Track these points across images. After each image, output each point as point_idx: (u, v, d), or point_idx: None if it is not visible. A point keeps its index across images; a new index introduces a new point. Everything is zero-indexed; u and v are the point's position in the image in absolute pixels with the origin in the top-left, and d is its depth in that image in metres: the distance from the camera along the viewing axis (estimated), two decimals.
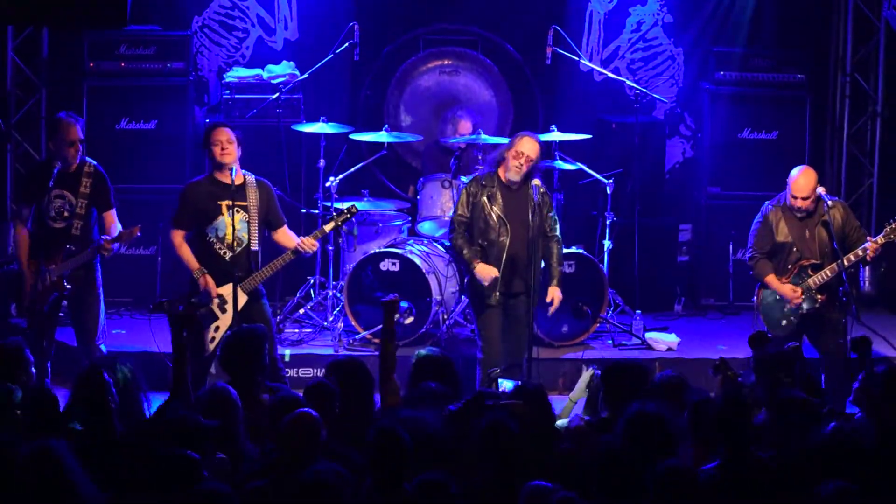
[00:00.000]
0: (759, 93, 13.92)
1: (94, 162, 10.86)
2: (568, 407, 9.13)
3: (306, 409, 7.45)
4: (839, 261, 10.73)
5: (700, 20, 14.37)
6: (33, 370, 8.75)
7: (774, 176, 13.68)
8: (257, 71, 13.71)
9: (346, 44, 12.96)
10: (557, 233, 10.97)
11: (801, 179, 10.90)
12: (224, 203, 10.47)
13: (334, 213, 11.01)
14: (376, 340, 12.30)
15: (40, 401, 7.71)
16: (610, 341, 12.69)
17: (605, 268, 12.75)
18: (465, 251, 10.79)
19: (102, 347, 10.89)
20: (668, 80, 14.56)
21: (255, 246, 10.51)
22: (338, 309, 12.62)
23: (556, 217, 11.02)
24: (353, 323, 12.44)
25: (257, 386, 8.64)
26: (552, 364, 12.02)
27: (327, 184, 12.54)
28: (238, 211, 10.47)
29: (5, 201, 13.62)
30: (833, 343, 10.96)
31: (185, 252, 10.56)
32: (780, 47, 14.09)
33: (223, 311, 10.50)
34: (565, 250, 12.29)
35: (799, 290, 10.86)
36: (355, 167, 13.00)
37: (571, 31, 13.55)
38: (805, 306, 10.88)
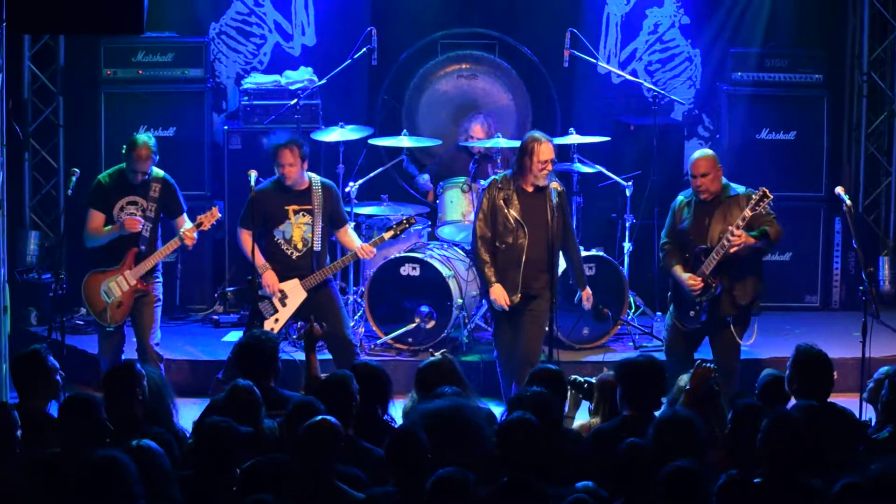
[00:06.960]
0: (776, 93, 13.93)
1: (162, 172, 11.16)
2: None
3: (325, 416, 7.36)
4: (722, 241, 10.58)
5: (717, 21, 14.34)
6: (59, 377, 8.76)
7: (792, 176, 13.73)
8: (275, 77, 13.71)
9: (364, 49, 12.98)
10: (574, 236, 11.22)
11: (697, 156, 10.85)
12: (291, 208, 11.22)
13: (394, 223, 11.65)
14: (397, 345, 12.34)
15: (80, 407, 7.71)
16: (631, 343, 12.68)
17: (625, 270, 12.76)
18: (485, 269, 10.84)
19: (157, 349, 11.14)
20: (685, 81, 14.54)
21: (317, 246, 11.24)
22: (359, 314, 12.63)
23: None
24: (374, 328, 12.45)
25: (267, 392, 8.73)
26: (572, 367, 11.95)
27: (346, 189, 12.56)
28: (303, 214, 11.23)
29: (23, 209, 13.63)
30: (722, 328, 10.86)
31: (252, 249, 11.10)
32: (797, 47, 14.08)
33: (283, 304, 11.28)
34: (585, 252, 12.32)
35: (698, 280, 10.78)
36: (374, 172, 13.03)
37: (589, 34, 13.56)
38: (704, 296, 10.83)
